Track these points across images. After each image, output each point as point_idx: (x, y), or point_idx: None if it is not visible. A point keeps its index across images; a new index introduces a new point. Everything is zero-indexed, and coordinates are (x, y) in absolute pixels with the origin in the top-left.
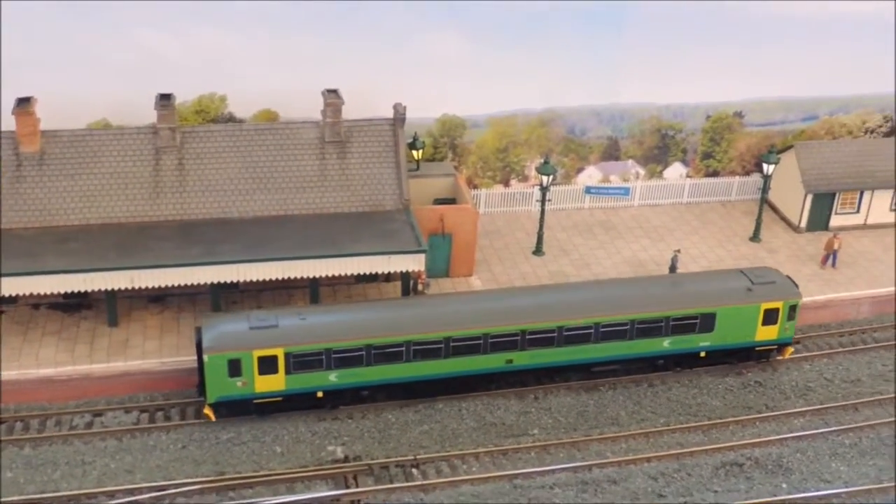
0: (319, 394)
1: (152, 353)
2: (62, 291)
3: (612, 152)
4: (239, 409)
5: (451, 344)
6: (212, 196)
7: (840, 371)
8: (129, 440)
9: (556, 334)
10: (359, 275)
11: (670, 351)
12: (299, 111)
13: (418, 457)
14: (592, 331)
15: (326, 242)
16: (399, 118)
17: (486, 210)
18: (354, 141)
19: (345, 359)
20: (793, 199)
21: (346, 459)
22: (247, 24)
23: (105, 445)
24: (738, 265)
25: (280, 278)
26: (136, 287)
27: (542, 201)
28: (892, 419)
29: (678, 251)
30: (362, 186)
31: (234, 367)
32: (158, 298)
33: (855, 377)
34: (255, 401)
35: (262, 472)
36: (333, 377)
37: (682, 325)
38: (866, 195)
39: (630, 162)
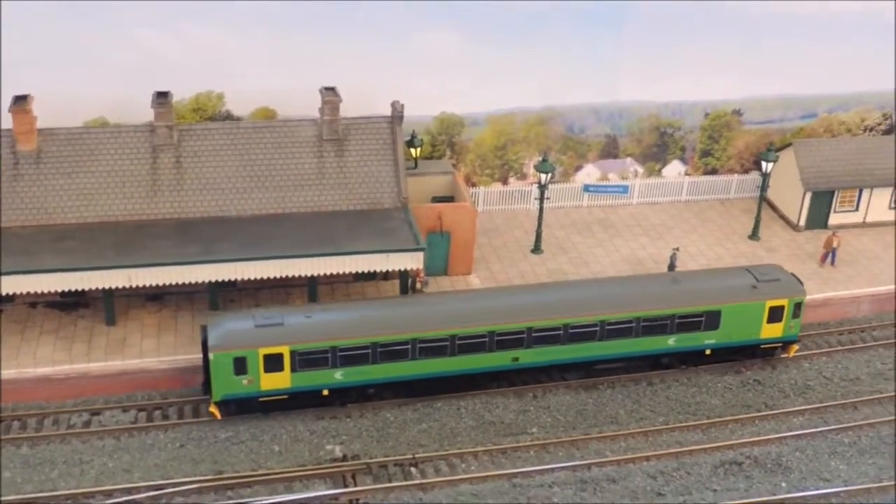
0: (325, 392)
1: (150, 351)
2: (59, 290)
3: (610, 150)
4: (244, 407)
5: (457, 342)
6: (209, 194)
7: (839, 369)
8: (127, 439)
9: (561, 332)
10: (357, 273)
11: (675, 349)
12: (298, 110)
13: (417, 456)
14: (598, 329)
15: (324, 241)
16: (397, 116)
17: (484, 208)
18: (352, 139)
19: (350, 357)
20: (792, 197)
21: (344, 458)
22: (246, 23)
23: (103, 444)
24: (737, 263)
25: (278, 277)
26: (134, 285)
27: (541, 199)
28: (892, 418)
29: (677, 249)
30: (360, 184)
31: (240, 365)
32: (156, 297)
33: (854, 375)
34: (261, 399)
35: (260, 471)
36: (339, 375)
37: (688, 323)
38: (865, 193)
39: (629, 160)
